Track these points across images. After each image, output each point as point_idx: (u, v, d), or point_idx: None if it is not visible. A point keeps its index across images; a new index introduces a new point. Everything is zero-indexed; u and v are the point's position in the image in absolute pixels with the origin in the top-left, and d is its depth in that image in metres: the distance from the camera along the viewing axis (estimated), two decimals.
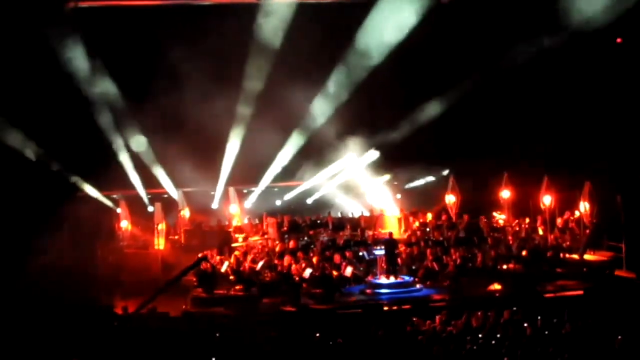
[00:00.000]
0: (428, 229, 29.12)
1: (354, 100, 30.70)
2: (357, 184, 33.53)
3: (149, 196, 31.90)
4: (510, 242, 26.45)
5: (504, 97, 29.83)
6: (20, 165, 27.14)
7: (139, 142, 30.78)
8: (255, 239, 28.90)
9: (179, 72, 28.90)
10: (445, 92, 30.82)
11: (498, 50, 28.92)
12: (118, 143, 30.61)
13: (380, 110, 31.98)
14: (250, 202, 33.46)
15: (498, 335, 15.97)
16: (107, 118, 29.93)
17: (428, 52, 29.87)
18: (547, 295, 22.35)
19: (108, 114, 29.88)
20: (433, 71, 30.25)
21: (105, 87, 29.25)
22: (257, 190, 33.41)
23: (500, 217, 30.04)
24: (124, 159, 30.82)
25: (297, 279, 23.39)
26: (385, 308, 21.73)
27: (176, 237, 29.62)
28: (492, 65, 29.16)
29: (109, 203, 30.79)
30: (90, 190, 30.27)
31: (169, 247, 28.32)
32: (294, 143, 32.06)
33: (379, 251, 25.26)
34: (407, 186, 35.50)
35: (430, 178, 35.07)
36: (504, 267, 24.46)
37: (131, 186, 31.45)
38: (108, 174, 29.94)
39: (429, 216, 30.33)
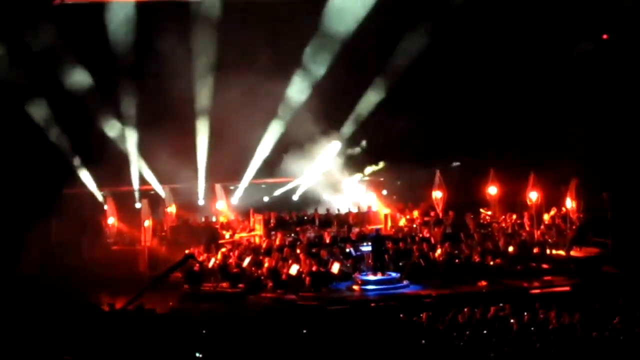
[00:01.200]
0: (415, 225, 29.15)
1: (339, 93, 30.61)
2: (341, 179, 33.61)
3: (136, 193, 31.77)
4: (497, 238, 26.49)
5: (491, 93, 29.83)
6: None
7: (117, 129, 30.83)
8: (242, 235, 28.82)
9: (163, 64, 28.95)
10: (430, 89, 30.81)
11: (485, 45, 29.01)
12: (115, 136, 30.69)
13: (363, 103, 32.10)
14: (236, 198, 33.36)
15: (485, 332, 16.01)
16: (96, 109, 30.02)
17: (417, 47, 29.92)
18: (534, 291, 22.43)
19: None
20: (420, 68, 30.30)
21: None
22: (242, 185, 33.29)
23: (487, 214, 30.08)
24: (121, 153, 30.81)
25: (283, 275, 23.41)
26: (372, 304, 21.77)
27: (163, 233, 29.52)
28: (478, 61, 29.26)
29: (99, 197, 30.68)
30: (86, 177, 30.27)
31: (156, 243, 28.25)
32: (277, 137, 32.06)
33: (366, 247, 25.32)
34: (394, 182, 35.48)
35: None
36: (491, 263, 24.50)
37: (119, 182, 31.29)
38: (102, 167, 30.06)
39: (416, 213, 30.32)
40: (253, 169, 32.70)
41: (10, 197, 26.25)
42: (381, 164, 34.14)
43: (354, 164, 33.67)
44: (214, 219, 30.83)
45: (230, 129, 30.25)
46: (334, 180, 33.59)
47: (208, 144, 31.34)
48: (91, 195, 30.68)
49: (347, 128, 32.76)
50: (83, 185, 30.47)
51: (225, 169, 31.93)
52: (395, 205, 31.46)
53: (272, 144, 32.11)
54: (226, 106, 29.77)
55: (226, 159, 31.16)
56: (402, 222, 29.77)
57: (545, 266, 24.68)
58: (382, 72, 31.00)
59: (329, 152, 32.97)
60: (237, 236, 28.65)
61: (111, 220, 29.43)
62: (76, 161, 30.16)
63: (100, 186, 30.91)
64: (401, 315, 18.03)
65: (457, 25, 28.91)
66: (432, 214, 29.73)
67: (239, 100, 29.81)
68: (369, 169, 34.40)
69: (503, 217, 29.21)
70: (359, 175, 33.93)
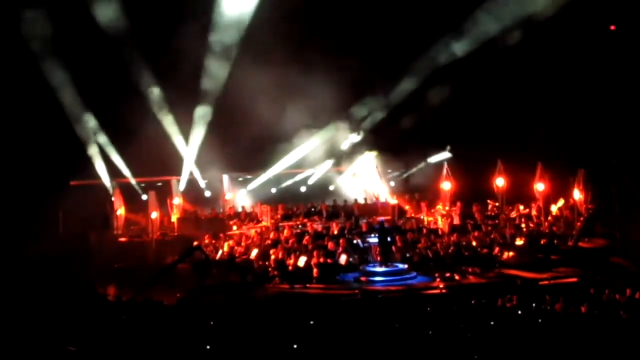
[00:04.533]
0: (423, 216, 29.12)
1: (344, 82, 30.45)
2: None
3: (142, 184, 31.76)
4: (505, 229, 26.45)
5: (497, 83, 29.76)
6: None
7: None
8: (249, 227, 28.84)
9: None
10: (438, 79, 30.76)
11: (492, 35, 28.95)
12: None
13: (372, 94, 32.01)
14: (246, 190, 33.41)
15: (492, 323, 15.99)
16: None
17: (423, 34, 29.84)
18: (542, 282, 22.38)
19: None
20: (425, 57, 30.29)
21: None
22: (260, 178, 33.37)
23: (495, 205, 29.98)
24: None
25: (290, 267, 23.43)
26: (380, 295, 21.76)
27: (170, 225, 29.55)
28: (485, 51, 29.19)
29: (109, 188, 30.68)
30: (100, 167, 30.37)
31: (163, 235, 28.30)
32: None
33: (373, 239, 25.32)
34: (400, 173, 35.41)
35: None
36: (499, 254, 24.49)
37: (123, 174, 31.36)
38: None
39: (423, 204, 30.26)
40: (270, 161, 32.77)
41: (19, 187, 26.36)
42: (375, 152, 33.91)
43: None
44: (221, 211, 30.85)
45: (243, 119, 30.28)
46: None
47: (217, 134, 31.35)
48: (99, 187, 30.71)
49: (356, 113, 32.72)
50: (92, 176, 30.48)
51: (236, 160, 31.94)
52: (403, 195, 31.41)
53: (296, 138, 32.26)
54: (242, 94, 29.83)
55: (237, 150, 31.20)
56: (410, 212, 29.80)
57: (553, 257, 24.63)
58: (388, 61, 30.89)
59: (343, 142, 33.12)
60: (244, 228, 28.67)
61: (119, 212, 29.45)
62: (93, 149, 30.23)
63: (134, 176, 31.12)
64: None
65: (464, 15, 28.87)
66: (439, 204, 29.69)
67: (257, 89, 29.90)
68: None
69: (510, 208, 29.14)
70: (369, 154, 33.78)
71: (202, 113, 30.98)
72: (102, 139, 30.52)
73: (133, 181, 31.59)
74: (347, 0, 29.30)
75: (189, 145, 31.50)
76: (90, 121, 29.95)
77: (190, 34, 28.33)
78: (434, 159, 33.85)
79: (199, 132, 31.31)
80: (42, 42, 27.60)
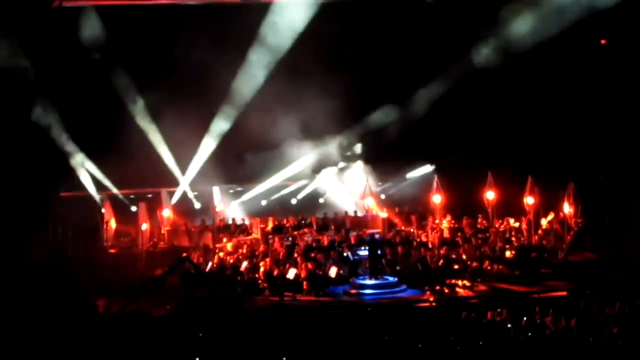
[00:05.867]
0: (413, 229, 29.10)
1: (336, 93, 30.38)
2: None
3: (132, 196, 31.68)
4: (495, 243, 26.46)
5: (488, 97, 29.85)
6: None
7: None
8: (239, 239, 28.78)
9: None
10: (427, 92, 30.86)
11: (481, 49, 29.05)
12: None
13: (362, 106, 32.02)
14: (237, 202, 33.35)
15: (482, 336, 15.99)
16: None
17: (412, 49, 29.88)
18: (531, 296, 22.39)
19: None
20: (415, 70, 30.33)
21: None
22: (254, 190, 33.33)
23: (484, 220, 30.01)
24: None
25: (279, 280, 23.42)
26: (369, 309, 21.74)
27: (160, 237, 29.45)
28: (475, 64, 29.28)
29: (96, 197, 30.61)
30: (85, 178, 30.27)
31: (153, 247, 28.23)
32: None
33: (363, 252, 25.30)
34: (390, 186, 35.43)
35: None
36: (489, 267, 24.49)
37: (112, 186, 31.30)
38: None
39: (413, 217, 30.23)
40: (261, 173, 32.73)
41: (6, 201, 26.22)
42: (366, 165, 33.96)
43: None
44: (211, 223, 30.77)
45: (238, 131, 30.31)
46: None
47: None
48: (89, 198, 30.62)
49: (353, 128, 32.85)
50: (81, 187, 30.40)
51: (226, 172, 31.91)
52: (393, 208, 31.37)
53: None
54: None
55: (228, 162, 31.20)
56: (400, 225, 29.80)
57: (543, 271, 24.65)
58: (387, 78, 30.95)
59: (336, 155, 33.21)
60: (234, 240, 28.60)
61: (109, 224, 29.35)
62: (78, 159, 30.13)
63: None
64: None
65: (457, 27, 28.94)
66: (430, 218, 29.67)
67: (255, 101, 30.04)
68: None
69: (500, 221, 29.14)
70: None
71: (217, 127, 30.95)
72: (82, 150, 30.41)
73: (115, 190, 31.42)
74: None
75: (193, 158, 31.44)
76: (62, 136, 29.81)
77: (190, 45, 28.46)
78: (416, 172, 33.99)
79: (207, 147, 31.29)
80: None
